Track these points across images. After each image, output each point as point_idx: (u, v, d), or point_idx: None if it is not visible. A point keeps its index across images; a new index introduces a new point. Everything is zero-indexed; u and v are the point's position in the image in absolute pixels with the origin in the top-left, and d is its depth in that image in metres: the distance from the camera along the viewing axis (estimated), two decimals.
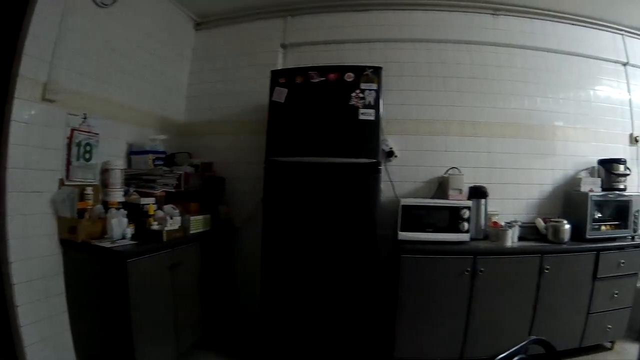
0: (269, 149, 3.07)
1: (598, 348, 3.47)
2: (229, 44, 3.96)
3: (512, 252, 3.09)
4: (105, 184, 2.88)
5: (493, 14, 3.69)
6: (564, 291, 3.17)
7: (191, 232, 3.09)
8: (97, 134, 2.88)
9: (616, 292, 3.35)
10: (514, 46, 3.72)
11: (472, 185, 3.37)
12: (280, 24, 3.80)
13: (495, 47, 3.68)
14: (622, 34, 4.14)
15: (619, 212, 3.52)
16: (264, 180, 3.06)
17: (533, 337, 1.23)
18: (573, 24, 3.92)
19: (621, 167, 3.62)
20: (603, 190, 3.53)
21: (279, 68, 3.55)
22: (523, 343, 1.20)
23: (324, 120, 2.96)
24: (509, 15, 3.73)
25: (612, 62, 4.09)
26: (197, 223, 3.19)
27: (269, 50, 3.76)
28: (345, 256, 2.95)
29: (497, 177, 3.59)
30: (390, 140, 3.45)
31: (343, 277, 2.96)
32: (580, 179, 3.56)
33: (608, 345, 3.51)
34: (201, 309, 3.25)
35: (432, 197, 3.43)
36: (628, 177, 3.75)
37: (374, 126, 2.93)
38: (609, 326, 3.35)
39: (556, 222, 3.30)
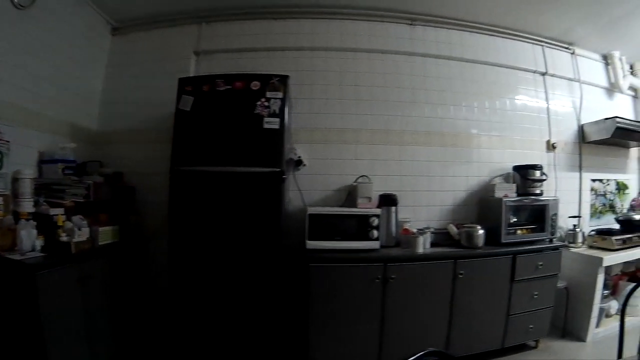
0: (175, 158, 2.98)
1: (523, 347, 3.57)
2: (144, 50, 3.90)
3: (424, 258, 3.11)
4: (15, 194, 2.73)
5: (410, 24, 3.81)
6: (482, 294, 3.24)
7: (100, 243, 2.94)
8: (7, 141, 2.74)
9: (536, 293, 3.45)
10: (430, 56, 3.83)
11: (382, 193, 3.40)
12: (194, 31, 3.79)
13: (410, 56, 3.78)
14: (542, 45, 4.37)
15: (536, 216, 3.63)
16: (170, 190, 2.96)
17: (430, 348, 1.19)
18: (491, 35, 4.09)
19: (537, 173, 3.75)
20: (518, 195, 3.62)
21: (191, 75, 3.50)
22: (417, 355, 1.16)
23: (229, 129, 2.93)
24: (425, 26, 3.86)
25: (531, 72, 4.30)
26: (106, 234, 3.05)
27: (181, 58, 3.74)
28: (250, 266, 2.87)
29: (409, 185, 3.64)
30: (300, 149, 3.45)
31: (249, 288, 2.88)
32: (494, 185, 3.63)
33: (532, 344, 3.62)
34: (114, 323, 3.07)
35: (342, 206, 3.43)
36: (545, 182, 3.85)
37: (278, 135, 2.91)
38: (531, 326, 3.46)
39: (469, 227, 3.35)
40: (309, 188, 3.45)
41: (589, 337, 3.74)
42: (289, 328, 2.97)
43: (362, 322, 2.98)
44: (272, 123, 2.89)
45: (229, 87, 2.95)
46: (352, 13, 3.69)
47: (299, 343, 3.02)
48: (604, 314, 3.92)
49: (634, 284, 2.16)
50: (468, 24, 3.96)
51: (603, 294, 3.87)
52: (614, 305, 4.11)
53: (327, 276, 2.92)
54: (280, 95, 2.92)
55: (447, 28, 3.91)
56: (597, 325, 3.85)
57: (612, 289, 4.13)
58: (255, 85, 2.94)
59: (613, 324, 3.86)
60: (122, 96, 3.87)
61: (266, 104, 2.90)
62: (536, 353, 3.54)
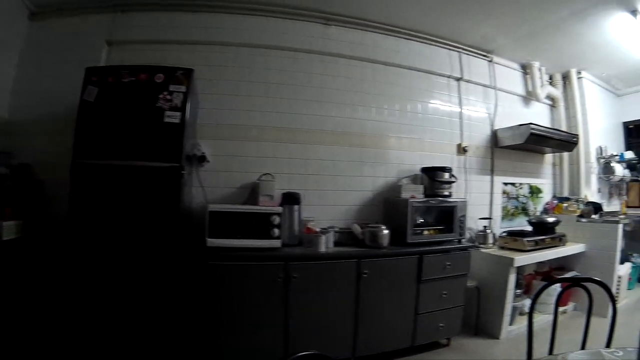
0: (76, 151, 2.94)
1: (435, 345, 3.69)
2: (59, 38, 3.76)
3: (326, 257, 3.17)
4: None
5: (325, 24, 3.89)
6: (388, 294, 3.33)
7: (4, 238, 2.88)
8: None
9: (445, 292, 3.58)
10: (342, 56, 3.93)
11: (286, 191, 3.46)
12: (109, 20, 3.70)
13: (322, 55, 3.87)
14: (459, 52, 4.58)
15: (444, 217, 3.77)
16: (70, 185, 2.92)
17: (313, 352, 1.22)
18: (407, 39, 4.26)
19: (446, 175, 3.90)
20: (426, 196, 3.75)
21: (102, 65, 3.47)
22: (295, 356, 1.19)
23: (131, 122, 2.91)
24: (340, 26, 3.96)
25: (446, 77, 4.50)
26: (10, 229, 2.99)
27: (94, 47, 3.66)
28: (148, 265, 2.85)
29: (314, 184, 3.71)
30: (204, 144, 3.46)
31: (148, 288, 2.85)
32: (401, 186, 3.75)
33: (444, 342, 3.75)
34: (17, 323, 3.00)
35: (245, 203, 3.46)
36: (456, 185, 4.02)
37: (179, 129, 2.91)
38: (441, 324, 3.58)
39: (374, 227, 3.45)
40: (212, 185, 3.46)
41: (503, 335, 3.91)
42: (190, 328, 2.97)
43: (266, 322, 3.00)
44: (173, 117, 2.88)
45: (133, 78, 2.94)
46: (268, 10, 3.74)
47: (201, 344, 3.02)
48: (517, 312, 4.12)
49: (544, 284, 2.25)
50: (384, 26, 4.10)
51: (516, 293, 4.08)
52: (527, 303, 4.29)
53: (229, 275, 2.93)
54: (183, 89, 2.92)
55: (362, 30, 4.03)
56: (511, 323, 4.03)
57: (525, 288, 4.37)
58: (159, 77, 2.93)
59: (525, 322, 4.03)
60: (35, 84, 3.73)
61: (168, 97, 2.89)
62: (448, 351, 3.66)
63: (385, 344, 3.35)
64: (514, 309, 4.04)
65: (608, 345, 1.81)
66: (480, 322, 4.05)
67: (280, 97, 3.67)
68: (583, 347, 1.85)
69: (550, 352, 1.89)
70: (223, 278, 2.92)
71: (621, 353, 1.52)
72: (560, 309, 4.46)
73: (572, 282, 2.15)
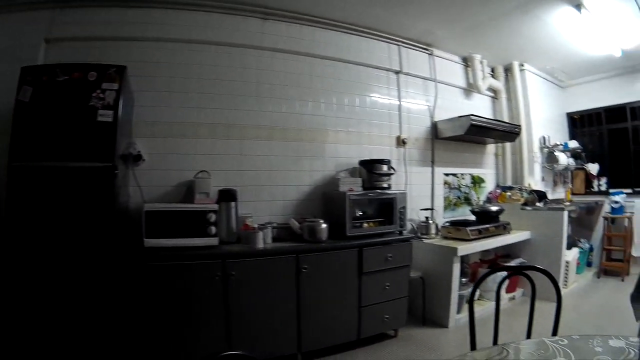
0: (12, 153, 2.87)
1: (383, 337, 3.77)
2: None
3: (264, 253, 3.18)
4: None
5: (262, 19, 3.91)
6: (330, 288, 3.37)
7: None
8: None
9: (388, 284, 3.66)
10: (279, 50, 3.95)
11: (222, 188, 3.46)
12: (47, 17, 3.56)
13: (260, 50, 3.88)
14: (398, 45, 4.71)
15: (383, 209, 3.86)
16: (7, 187, 2.84)
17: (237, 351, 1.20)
18: (346, 33, 4.32)
19: (384, 167, 3.97)
20: (364, 189, 3.81)
21: (40, 64, 3.39)
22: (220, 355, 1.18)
23: (66, 122, 2.86)
24: (278, 21, 3.98)
25: (385, 70, 4.61)
26: None
27: (32, 45, 3.56)
28: (85, 268, 2.79)
29: (251, 180, 3.73)
30: (140, 143, 3.42)
31: (85, 293, 2.79)
32: (339, 179, 3.81)
33: (392, 333, 3.84)
34: None
35: (182, 202, 3.45)
36: (396, 177, 4.11)
37: (111, 128, 2.88)
38: (387, 316, 3.66)
39: (311, 221, 3.49)
40: (149, 184, 3.41)
41: (452, 324, 4.03)
42: (128, 330, 2.93)
43: (207, 321, 3.00)
44: (105, 116, 2.84)
45: (67, 77, 2.88)
46: (204, 4, 3.70)
47: (140, 345, 2.98)
48: (464, 300, 4.23)
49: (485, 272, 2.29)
50: (323, 20, 4.14)
51: (462, 281, 4.21)
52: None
53: (167, 275, 2.91)
54: (115, 86, 2.88)
55: (300, 24, 4.07)
56: (459, 312, 4.17)
57: (471, 276, 4.50)
58: (92, 75, 2.89)
59: (475, 308, 4.12)
60: None
61: (101, 95, 2.85)
62: (395, 342, 3.74)
63: (331, 338, 3.40)
64: (461, 297, 4.16)
65: (555, 333, 1.83)
66: (428, 312, 4.16)
67: (216, 93, 3.66)
68: (529, 336, 1.88)
69: (495, 341, 1.90)
70: (162, 278, 2.90)
71: (566, 341, 1.51)
72: (509, 295, 4.69)
73: (514, 270, 2.20)
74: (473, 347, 1.82)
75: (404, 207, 3.90)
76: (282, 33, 3.95)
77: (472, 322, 1.91)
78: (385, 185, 3.95)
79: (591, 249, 6.28)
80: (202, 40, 3.63)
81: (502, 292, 4.57)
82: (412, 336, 3.85)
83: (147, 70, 3.43)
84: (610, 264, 6.09)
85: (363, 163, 4.01)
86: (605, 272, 6.04)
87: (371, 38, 4.46)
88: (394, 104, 4.59)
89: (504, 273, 2.30)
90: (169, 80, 3.51)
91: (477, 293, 4.52)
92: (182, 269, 2.92)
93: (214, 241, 3.10)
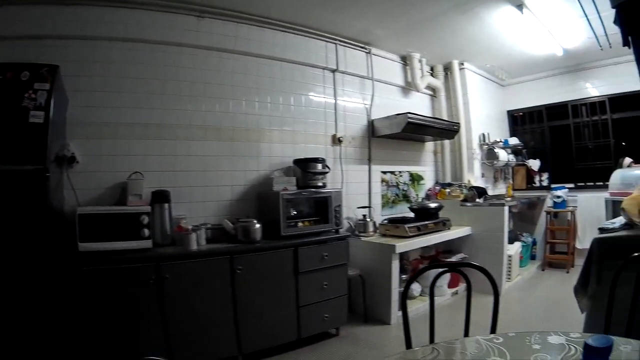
0: None
1: (325, 336, 3.86)
2: None
3: (197, 255, 3.19)
4: None
5: (198, 16, 3.91)
6: (267, 288, 3.42)
7: None
8: None
9: (325, 283, 3.75)
10: (214, 49, 3.95)
11: (155, 189, 3.47)
12: None
13: (195, 49, 3.89)
14: (336, 43, 4.82)
15: (319, 208, 3.97)
16: None
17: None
18: (282, 31, 4.39)
19: (319, 166, 4.08)
20: (299, 188, 3.91)
21: None
22: None
23: None
24: (214, 19, 3.98)
25: (322, 68, 4.72)
26: None
27: None
28: (15, 273, 2.72)
29: (185, 181, 3.73)
30: (75, 144, 3.36)
31: (12, 299, 2.73)
32: (273, 178, 3.88)
33: (333, 332, 3.94)
34: None
35: (116, 204, 3.42)
36: (332, 175, 4.22)
37: (43, 130, 2.82)
38: (326, 315, 3.75)
39: (245, 222, 3.54)
40: (83, 187, 3.34)
41: (393, 320, 4.15)
42: (63, 337, 2.87)
43: (144, 326, 2.97)
44: (37, 117, 2.78)
45: (0, 77, 2.84)
46: (139, 2, 3.64)
47: (76, 352, 2.93)
48: (406, 297, 4.25)
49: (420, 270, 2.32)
50: (260, 19, 4.18)
51: (402, 278, 4.36)
52: (415, 287, 4.57)
53: (102, 280, 2.85)
54: (47, 86, 2.81)
55: (236, 22, 4.08)
56: (400, 308, 4.16)
57: (411, 273, 4.64)
58: (24, 75, 2.82)
59: (417, 305, 4.42)
60: None
61: (33, 96, 2.79)
62: (337, 340, 3.84)
63: (271, 339, 3.45)
64: (402, 294, 4.21)
65: (493, 330, 1.83)
66: (369, 309, 4.28)
67: (150, 93, 3.63)
68: (466, 334, 1.86)
69: (432, 339, 1.89)
70: (97, 284, 2.85)
71: (501, 339, 1.48)
72: (452, 290, 4.84)
73: (449, 267, 2.20)
74: (409, 345, 1.83)
75: (339, 206, 4.02)
76: (218, 31, 3.96)
77: (406, 320, 1.92)
78: (320, 184, 4.04)
79: (534, 243, 6.61)
80: (137, 39, 3.59)
81: (445, 287, 4.77)
82: (354, 334, 3.96)
83: (82, 69, 3.37)
84: (555, 256, 6.46)
85: (297, 162, 4.09)
86: (550, 264, 6.41)
87: (308, 37, 4.55)
88: (330, 103, 4.71)
89: (439, 270, 2.33)
90: (103, 79, 3.46)
91: (419, 289, 4.67)
92: (117, 273, 2.89)
93: (147, 244, 3.09)
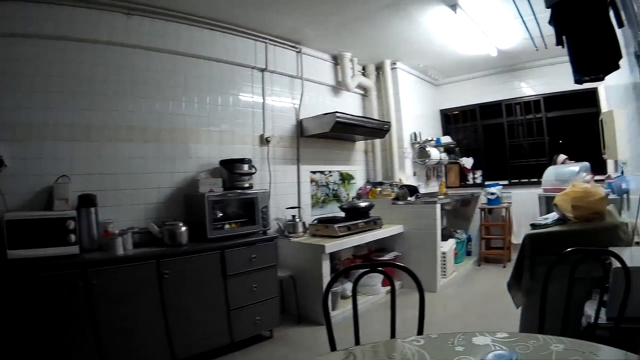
0: None
1: (259, 339, 3.94)
2: None
3: (125, 260, 3.18)
4: None
5: (127, 14, 3.85)
6: (195, 292, 3.45)
7: None
8: None
9: (255, 285, 3.82)
10: (142, 47, 3.89)
11: (81, 193, 3.41)
12: None
13: (123, 47, 3.83)
14: (265, 42, 4.92)
15: (246, 209, 4.06)
16: None
17: None
18: (211, 29, 4.40)
19: (245, 167, 4.17)
20: (225, 190, 3.98)
21: None
22: None
23: None
24: (143, 16, 3.95)
25: (250, 67, 4.78)
26: None
27: None
28: None
29: (112, 184, 3.70)
30: (2, 147, 3.20)
31: None
32: (199, 180, 3.93)
33: (267, 334, 4.03)
34: None
35: (45, 209, 3.31)
36: (260, 176, 4.35)
37: None
38: (258, 318, 3.82)
39: (171, 225, 3.58)
40: (12, 191, 3.22)
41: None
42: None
43: (73, 334, 2.90)
44: None
45: None
46: None
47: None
48: (339, 296, 4.51)
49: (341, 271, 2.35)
50: (189, 17, 4.18)
51: (337, 278, 4.32)
52: (348, 287, 4.66)
53: (32, 288, 2.77)
54: None
55: (165, 20, 4.07)
56: (334, 308, 4.45)
57: (344, 273, 4.62)
58: None
59: (350, 304, 4.32)
60: None
61: None
62: (271, 343, 3.94)
63: (203, 344, 3.48)
64: (334, 294, 4.43)
65: (420, 331, 1.79)
66: (302, 310, 4.42)
67: (77, 92, 3.54)
68: (393, 335, 1.85)
69: (357, 341, 1.86)
70: (27, 292, 2.76)
71: (422, 342, 1.46)
72: (385, 288, 4.99)
73: (371, 268, 2.19)
74: (333, 347, 1.82)
75: (266, 207, 4.14)
76: (146, 29, 3.93)
77: (329, 323, 1.89)
78: (246, 184, 4.12)
79: (469, 239, 6.96)
80: (66, 37, 3.50)
81: (379, 286, 4.93)
82: (288, 336, 4.07)
83: (8, 68, 3.24)
84: (491, 252, 6.85)
85: (223, 163, 4.14)
86: (486, 260, 6.79)
87: (237, 35, 4.60)
88: (258, 102, 4.80)
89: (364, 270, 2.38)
90: (31, 79, 3.34)
91: (350, 289, 4.78)
92: (46, 280, 2.83)
93: (74, 249, 3.05)
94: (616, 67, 2.57)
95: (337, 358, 1.43)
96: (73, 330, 2.90)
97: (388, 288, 5.05)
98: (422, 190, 6.44)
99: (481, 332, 1.47)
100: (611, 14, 2.51)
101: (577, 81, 2.73)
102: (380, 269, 2.10)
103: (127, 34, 3.79)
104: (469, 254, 6.94)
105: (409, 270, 1.96)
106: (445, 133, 7.57)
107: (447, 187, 7.44)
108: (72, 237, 3.05)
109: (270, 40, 4.89)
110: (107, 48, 3.69)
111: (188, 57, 4.21)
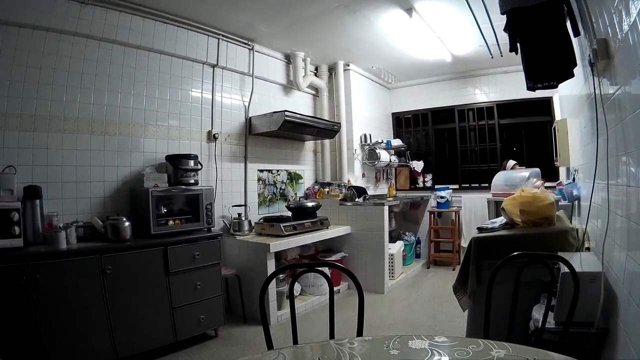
0: None
1: (204, 338, 4.05)
2: None
3: (67, 254, 3.20)
4: None
5: (82, 2, 3.87)
6: (138, 289, 3.52)
7: None
8: None
9: (199, 283, 3.93)
10: (94, 38, 3.95)
11: (27, 185, 3.44)
12: None
13: (75, 37, 3.83)
14: (218, 38, 5.06)
15: (190, 206, 4.20)
16: None
17: None
18: (165, 22, 4.49)
19: (191, 163, 4.29)
20: (170, 185, 4.11)
21: None
22: None
23: None
24: (98, 6, 3.97)
25: (202, 63, 4.92)
26: None
27: None
28: None
29: (57, 176, 3.72)
30: None
31: None
32: (144, 175, 4.03)
33: (212, 333, 4.14)
34: None
35: None
36: (206, 172, 4.52)
37: None
38: (202, 316, 3.93)
39: (114, 219, 3.67)
40: None
41: (274, 320, 4.44)
42: None
43: (14, 330, 2.90)
44: None
45: None
46: None
47: None
48: (284, 296, 4.66)
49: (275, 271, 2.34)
50: (143, 8, 4.23)
51: (280, 277, 4.65)
52: (296, 287, 4.81)
53: None
54: None
55: (119, 11, 4.11)
56: (280, 308, 4.64)
57: (290, 272, 4.92)
58: None
59: (297, 304, 4.72)
60: None
61: None
62: (216, 342, 4.04)
63: (147, 342, 3.55)
64: (280, 293, 4.58)
65: (360, 333, 1.86)
66: (247, 309, 4.56)
67: (25, 81, 3.54)
68: (332, 336, 1.93)
69: (295, 341, 1.94)
70: None
71: (356, 344, 1.48)
72: (334, 289, 5.15)
73: (309, 267, 2.32)
74: (270, 346, 1.87)
75: (210, 204, 4.28)
76: (100, 20, 3.96)
77: (265, 323, 1.97)
78: (192, 181, 4.24)
79: (418, 242, 7.29)
80: (16, 23, 3.46)
81: (325, 286, 5.11)
82: (234, 335, 4.20)
83: None
84: (440, 254, 7.22)
85: (169, 158, 4.25)
86: (435, 262, 7.11)
87: (190, 29, 4.71)
88: (207, 98, 4.92)
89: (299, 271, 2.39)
90: None
91: (299, 288, 4.99)
92: None
93: (18, 242, 3.08)
94: (570, 75, 2.65)
95: (268, 357, 1.40)
96: (14, 325, 2.91)
97: (337, 288, 5.33)
98: (371, 192, 6.72)
99: (418, 336, 1.47)
100: (568, 22, 2.62)
101: (530, 88, 2.83)
102: (318, 268, 2.16)
103: (80, 24, 3.82)
104: (417, 256, 7.27)
105: (348, 270, 2.11)
106: (396, 136, 7.90)
107: (397, 190, 7.79)
108: (16, 229, 3.08)
109: (223, 36, 5.03)
110: (58, 37, 3.72)
111: (139, 49, 4.28)
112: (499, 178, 5.67)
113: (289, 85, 6.04)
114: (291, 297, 2.07)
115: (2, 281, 2.87)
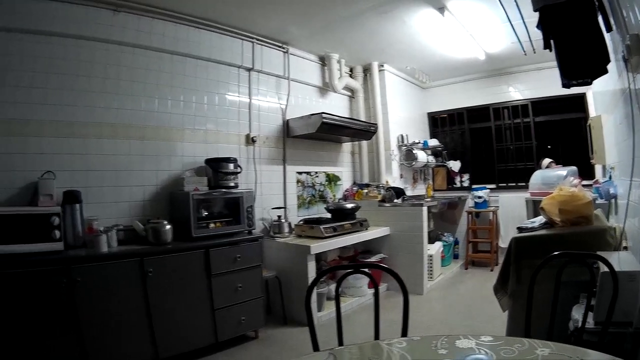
0: None
1: (243, 339, 4.02)
2: None
3: (108, 257, 3.22)
4: None
5: (114, 10, 3.91)
6: (179, 291, 3.52)
7: None
8: None
9: (240, 285, 3.90)
10: (128, 45, 3.98)
11: (66, 189, 3.48)
12: None
13: (108, 44, 3.88)
14: (252, 42, 5.04)
15: (231, 208, 4.17)
16: None
17: None
18: (197, 28, 4.50)
19: (230, 166, 4.28)
20: (211, 188, 4.09)
21: None
22: None
23: None
24: (130, 13, 4.01)
25: (237, 67, 4.90)
26: None
27: None
28: None
29: (97, 180, 3.76)
30: None
31: None
32: (184, 179, 4.02)
33: (252, 334, 4.11)
34: None
35: (29, 205, 3.35)
36: (245, 175, 4.45)
37: None
38: (243, 318, 3.90)
39: (155, 223, 3.67)
40: None
41: (314, 322, 4.18)
42: None
43: (56, 332, 2.93)
44: None
45: None
46: None
47: None
48: (324, 297, 4.61)
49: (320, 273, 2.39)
50: (175, 14, 4.27)
51: (320, 279, 4.41)
52: (334, 288, 4.70)
53: (13, 284, 2.79)
54: None
55: (152, 17, 4.15)
56: (320, 309, 4.58)
57: (330, 273, 4.81)
58: None
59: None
60: None
61: None
62: (256, 343, 4.02)
63: (188, 343, 3.55)
64: (320, 295, 4.52)
65: (405, 333, 1.82)
66: (288, 311, 4.50)
67: (60, 89, 3.59)
68: (377, 337, 1.88)
69: (340, 342, 1.90)
70: (7, 288, 2.78)
71: (404, 344, 1.47)
72: (371, 291, 5.08)
73: (354, 268, 2.23)
74: (315, 348, 1.86)
75: (251, 206, 4.24)
76: (133, 26, 4.00)
77: (311, 323, 1.98)
78: (232, 184, 4.23)
79: (456, 242, 7.13)
80: (51, 32, 3.54)
81: (365, 287, 5.04)
82: (273, 336, 4.15)
83: None
84: (477, 255, 7.03)
85: (209, 162, 4.25)
86: (473, 263, 6.93)
87: (224, 34, 4.71)
88: (244, 102, 4.91)
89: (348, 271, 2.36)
90: (17, 74, 3.38)
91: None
92: (28, 277, 2.86)
93: (59, 246, 3.11)
94: (604, 71, 2.60)
95: (318, 359, 1.43)
96: (56, 327, 2.92)
97: (374, 290, 5.19)
98: (408, 193, 6.60)
99: (465, 336, 1.46)
100: (599, 18, 2.56)
101: (565, 85, 2.77)
102: (363, 270, 2.10)
103: (112, 31, 3.85)
104: (456, 257, 7.11)
105: (393, 271, 2.04)
106: (432, 136, 7.75)
107: (434, 190, 7.62)
108: (57, 234, 3.10)
109: (258, 39, 5.01)
110: (92, 45, 3.75)
111: (174, 55, 4.30)
112: (536, 177, 5.49)
113: (325, 87, 5.99)
114: (337, 298, 2.01)
115: (43, 284, 2.90)
